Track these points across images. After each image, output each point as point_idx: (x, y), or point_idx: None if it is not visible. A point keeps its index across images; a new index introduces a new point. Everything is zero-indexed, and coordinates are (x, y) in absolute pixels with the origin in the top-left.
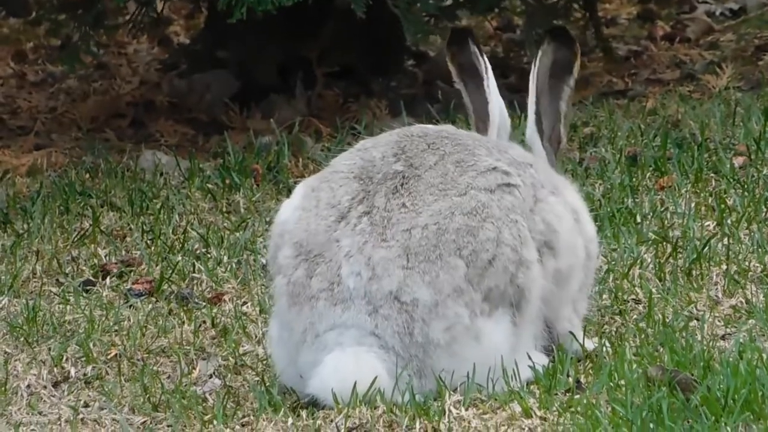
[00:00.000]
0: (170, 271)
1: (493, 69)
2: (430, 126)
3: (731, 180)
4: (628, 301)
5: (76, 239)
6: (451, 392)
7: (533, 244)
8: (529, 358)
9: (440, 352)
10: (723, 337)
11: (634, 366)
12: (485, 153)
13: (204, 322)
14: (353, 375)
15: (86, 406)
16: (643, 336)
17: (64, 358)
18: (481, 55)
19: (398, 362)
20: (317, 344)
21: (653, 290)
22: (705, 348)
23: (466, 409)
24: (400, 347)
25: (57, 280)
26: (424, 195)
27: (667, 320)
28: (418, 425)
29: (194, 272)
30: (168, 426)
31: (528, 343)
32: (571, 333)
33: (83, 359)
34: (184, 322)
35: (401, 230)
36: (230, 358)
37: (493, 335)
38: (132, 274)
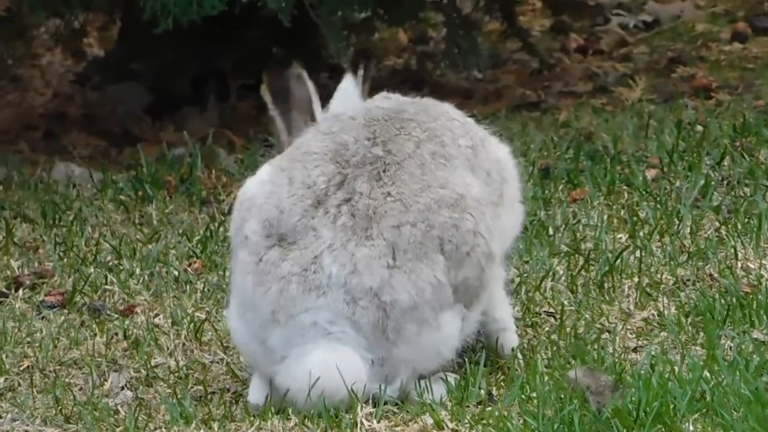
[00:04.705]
0: (83, 283)
1: (405, 82)
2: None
3: (643, 192)
4: (540, 314)
5: None
6: (363, 404)
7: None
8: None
9: (406, 345)
10: (635, 350)
11: (546, 378)
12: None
13: (116, 334)
14: (335, 371)
15: None
16: (554, 348)
17: None
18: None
19: (367, 347)
20: (292, 324)
21: (565, 302)
22: (617, 360)
23: (378, 421)
24: (371, 334)
25: None
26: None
27: (579, 333)
28: None
29: (106, 284)
30: None
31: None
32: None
33: None
34: (96, 334)
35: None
36: (142, 370)
37: (451, 324)
38: (44, 285)
